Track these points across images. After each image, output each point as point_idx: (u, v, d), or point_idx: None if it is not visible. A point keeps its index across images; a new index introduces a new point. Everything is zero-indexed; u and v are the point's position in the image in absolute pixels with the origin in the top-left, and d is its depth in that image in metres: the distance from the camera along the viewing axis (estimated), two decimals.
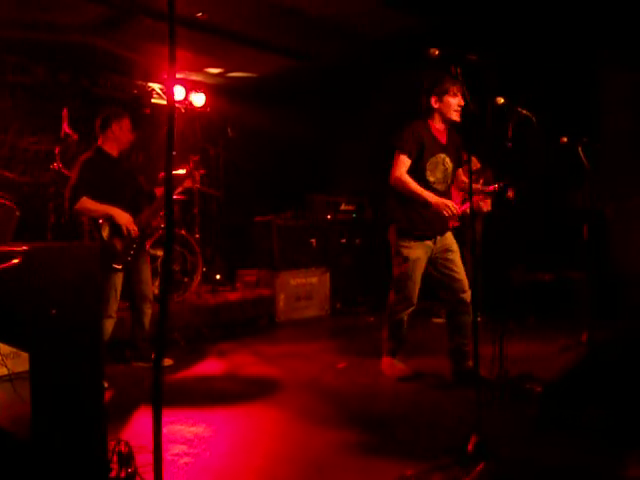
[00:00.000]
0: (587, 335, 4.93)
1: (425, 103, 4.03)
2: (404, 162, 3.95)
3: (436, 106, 3.96)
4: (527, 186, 4.33)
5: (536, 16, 5.82)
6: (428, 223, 4.01)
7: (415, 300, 4.18)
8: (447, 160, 4.05)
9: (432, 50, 3.14)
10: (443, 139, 4.06)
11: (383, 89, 7.54)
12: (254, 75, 7.75)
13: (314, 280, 6.97)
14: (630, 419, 2.95)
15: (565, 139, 4.97)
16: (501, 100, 3.91)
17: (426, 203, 3.92)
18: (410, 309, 4.20)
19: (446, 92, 3.94)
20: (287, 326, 6.47)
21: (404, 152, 3.96)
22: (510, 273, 6.12)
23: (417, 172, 3.95)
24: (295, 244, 7.01)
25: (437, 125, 4.03)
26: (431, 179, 4.00)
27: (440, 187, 4.04)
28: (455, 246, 4.16)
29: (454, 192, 4.53)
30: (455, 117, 3.98)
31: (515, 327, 5.27)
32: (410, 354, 4.46)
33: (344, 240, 7.55)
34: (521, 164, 4.48)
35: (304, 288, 6.87)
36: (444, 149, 4.04)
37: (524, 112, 3.94)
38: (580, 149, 4.97)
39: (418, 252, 4.04)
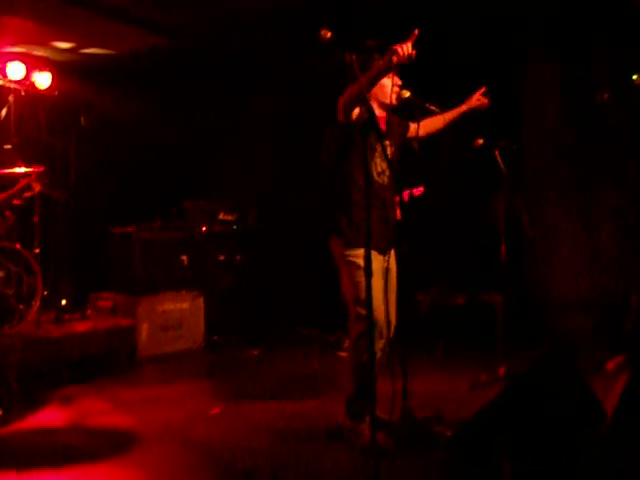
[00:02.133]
0: (505, 368, 5.11)
1: None
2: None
3: (370, 91, 3.90)
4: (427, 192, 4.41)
5: (452, 4, 6.04)
6: (375, 237, 3.71)
7: (385, 328, 3.87)
8: (390, 149, 4.06)
9: (323, 32, 3.15)
10: (382, 125, 4.07)
11: (272, 77, 7.59)
12: (114, 53, 7.59)
13: (185, 306, 6.86)
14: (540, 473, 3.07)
15: (481, 141, 5.15)
16: (407, 93, 4.01)
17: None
18: (382, 342, 3.85)
19: None
20: (151, 363, 6.33)
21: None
22: (418, 296, 6.29)
23: (360, 163, 3.68)
24: (162, 262, 6.89)
25: (375, 112, 3.99)
26: (377, 170, 3.99)
27: (382, 180, 4.02)
28: (395, 268, 4.13)
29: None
30: (394, 100, 4.01)
31: (423, 359, 5.40)
32: (306, 392, 4.45)
33: (222, 257, 7.50)
34: (431, 169, 4.60)
35: (173, 316, 6.74)
36: (386, 137, 4.05)
37: (432, 108, 4.05)
38: (497, 153, 5.16)
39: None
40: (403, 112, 4.14)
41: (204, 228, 7.37)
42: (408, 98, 4.01)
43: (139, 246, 6.78)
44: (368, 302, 3.18)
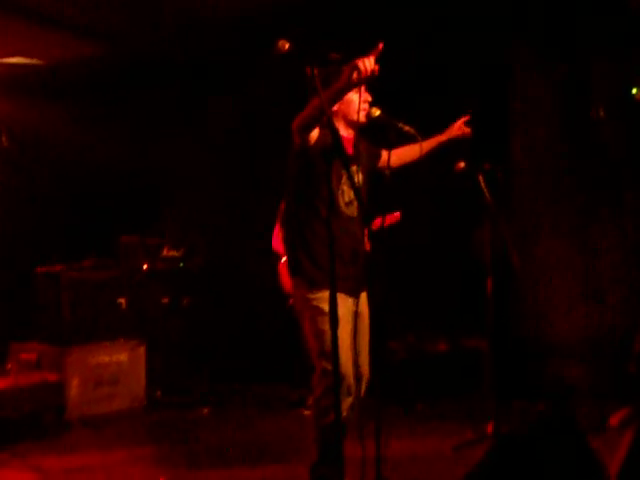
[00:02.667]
0: (493, 425, 5.13)
1: None
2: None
3: (335, 108, 3.93)
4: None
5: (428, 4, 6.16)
6: (343, 276, 3.77)
7: (354, 384, 3.87)
8: (357, 175, 4.06)
9: (281, 43, 3.18)
10: (349, 148, 4.09)
11: (225, 93, 7.62)
12: (41, 63, 7.60)
13: (122, 357, 6.81)
14: None
15: (462, 164, 5.23)
16: (377, 112, 4.06)
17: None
18: (349, 399, 3.86)
19: None
20: (82, 425, 6.23)
21: None
22: (391, 344, 6.30)
23: (325, 194, 3.69)
24: (95, 306, 6.81)
25: (341, 132, 3.97)
26: (344, 200, 4.00)
27: (350, 211, 4.03)
28: (366, 312, 4.09)
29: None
30: (362, 118, 4.03)
31: (399, 416, 5.39)
32: (265, 458, 4.39)
33: (167, 299, 7.47)
34: (406, 196, 4.63)
35: (108, 370, 6.68)
36: (353, 161, 4.04)
37: (406, 128, 4.09)
38: (481, 177, 5.23)
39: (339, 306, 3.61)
40: (375, 133, 4.17)
41: (145, 266, 7.32)
42: (379, 117, 4.04)
43: (68, 288, 6.69)
44: (334, 354, 3.15)
